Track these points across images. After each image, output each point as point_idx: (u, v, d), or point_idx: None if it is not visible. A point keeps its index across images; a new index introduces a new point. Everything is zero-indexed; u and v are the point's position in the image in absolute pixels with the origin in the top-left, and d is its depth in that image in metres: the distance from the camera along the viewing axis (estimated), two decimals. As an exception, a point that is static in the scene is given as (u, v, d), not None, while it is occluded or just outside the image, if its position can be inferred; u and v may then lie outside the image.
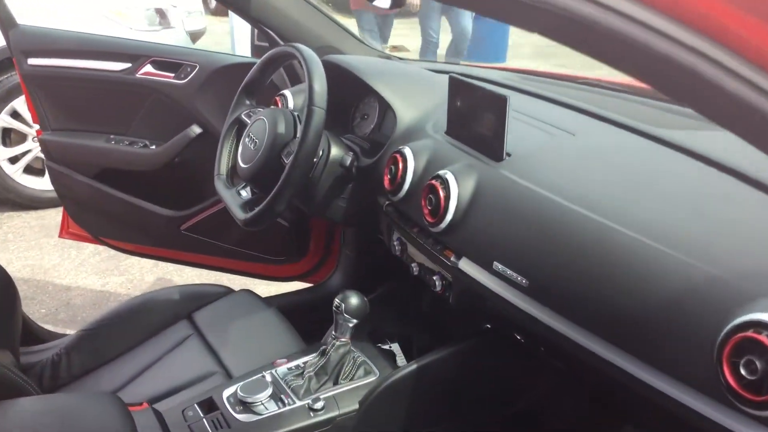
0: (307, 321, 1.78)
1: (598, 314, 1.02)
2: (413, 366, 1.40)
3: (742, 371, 0.81)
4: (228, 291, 1.95)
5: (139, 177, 2.56)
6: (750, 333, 0.80)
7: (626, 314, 0.97)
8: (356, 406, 1.38)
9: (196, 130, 2.43)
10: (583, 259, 1.05)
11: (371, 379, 1.44)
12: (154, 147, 2.52)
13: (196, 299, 1.90)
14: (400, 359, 1.61)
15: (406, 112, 1.63)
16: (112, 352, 1.78)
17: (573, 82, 1.76)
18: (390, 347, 1.65)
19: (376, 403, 1.37)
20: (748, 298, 0.84)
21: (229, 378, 1.60)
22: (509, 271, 1.16)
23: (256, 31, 2.44)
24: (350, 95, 1.73)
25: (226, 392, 1.42)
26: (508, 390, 1.53)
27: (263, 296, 1.98)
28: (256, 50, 2.45)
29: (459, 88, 1.43)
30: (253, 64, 2.33)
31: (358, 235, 2.32)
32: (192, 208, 2.49)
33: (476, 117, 1.37)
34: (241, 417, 1.35)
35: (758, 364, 0.79)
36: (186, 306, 1.89)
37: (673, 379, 0.92)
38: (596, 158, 1.25)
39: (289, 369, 1.48)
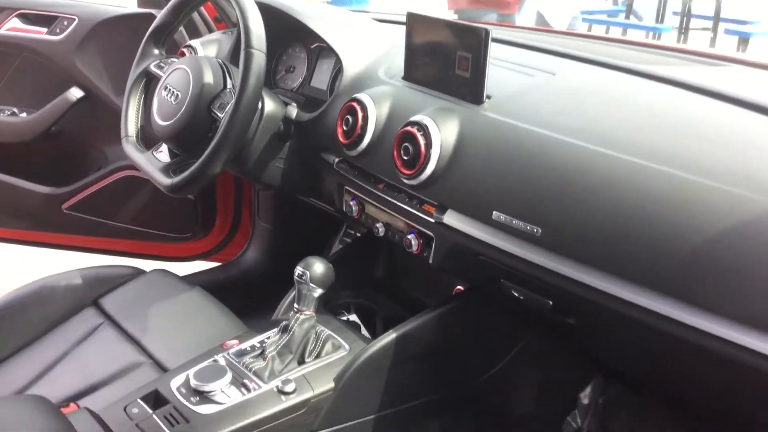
0: (229, 302, 1.58)
1: (633, 259, 0.93)
2: (391, 336, 1.26)
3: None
4: (138, 272, 1.70)
5: (7, 150, 2.20)
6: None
7: (669, 259, 0.89)
8: (332, 385, 1.22)
9: (77, 93, 2.14)
10: (608, 198, 0.96)
11: (342, 354, 1.28)
12: (24, 115, 2.19)
13: (102, 283, 1.64)
14: (364, 331, 1.46)
15: (352, 59, 1.48)
16: (3, 351, 1.49)
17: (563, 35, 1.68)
18: (349, 318, 1.49)
19: (354, 380, 1.22)
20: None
21: (161, 369, 1.38)
22: (516, 221, 1.05)
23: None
24: (272, 45, 1.54)
25: (175, 382, 1.20)
26: (488, 354, 1.43)
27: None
28: (143, 1, 2.17)
29: (421, 25, 1.29)
30: (144, 15, 2.07)
31: (274, 203, 2.13)
32: (75, 183, 2.18)
33: (445, 57, 1.24)
34: (199, 409, 1.15)
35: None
36: (90, 291, 1.62)
37: (726, 321, 0.85)
38: (584, 94, 1.17)
39: (244, 350, 1.29)
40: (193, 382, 1.19)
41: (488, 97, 1.20)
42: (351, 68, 1.46)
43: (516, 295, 1.14)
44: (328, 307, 1.45)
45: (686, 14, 7.33)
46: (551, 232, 1.02)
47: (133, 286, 1.65)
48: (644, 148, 0.97)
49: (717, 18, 6.71)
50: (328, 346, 1.30)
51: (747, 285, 0.83)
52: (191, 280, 1.73)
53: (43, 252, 2.31)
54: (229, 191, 2.22)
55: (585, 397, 1.64)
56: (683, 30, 7.40)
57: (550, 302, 1.08)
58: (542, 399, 1.59)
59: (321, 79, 1.64)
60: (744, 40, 6.45)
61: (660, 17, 7.63)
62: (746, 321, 0.84)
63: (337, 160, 1.43)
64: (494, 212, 1.09)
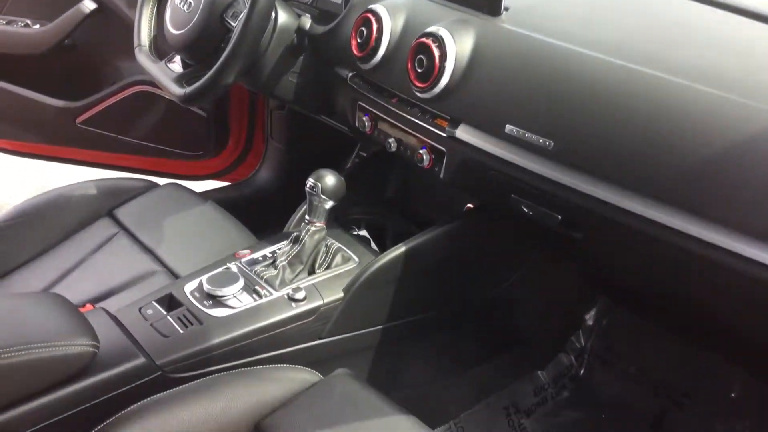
0: (242, 220, 1.60)
1: (645, 171, 0.93)
2: (401, 249, 1.27)
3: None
4: (152, 185, 1.72)
5: (21, 62, 2.19)
6: None
7: (690, 170, 0.89)
8: (341, 295, 1.24)
9: (90, 5, 2.10)
10: (621, 110, 0.95)
11: (351, 266, 1.31)
12: (38, 26, 2.16)
13: (117, 194, 1.66)
14: (374, 245, 1.48)
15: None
16: (20, 257, 1.53)
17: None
18: (359, 234, 1.51)
19: (362, 291, 1.25)
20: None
21: (175, 277, 1.41)
22: (528, 134, 1.05)
23: None
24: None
25: (188, 287, 1.23)
26: (495, 272, 1.45)
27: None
28: None
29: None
30: None
31: (287, 123, 2.13)
32: (89, 97, 2.17)
33: (463, -33, 1.21)
34: (212, 312, 1.18)
35: None
36: (105, 202, 1.64)
37: (732, 232, 0.86)
38: (602, 6, 1.14)
39: (256, 260, 1.31)
40: (206, 287, 1.21)
41: (506, 8, 1.17)
42: (366, -22, 1.43)
43: (525, 210, 1.14)
44: (339, 222, 1.46)
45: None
46: (564, 145, 1.01)
47: (147, 199, 1.66)
48: (661, 61, 0.96)
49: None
50: (337, 258, 1.32)
51: (758, 197, 0.83)
52: (204, 195, 1.75)
53: (57, 166, 2.33)
54: (242, 111, 2.21)
55: (590, 318, 1.67)
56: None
57: (559, 217, 1.09)
58: (547, 318, 1.62)
59: (335, -9, 1.61)
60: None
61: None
62: (755, 234, 0.84)
63: (350, 74, 1.41)
64: (507, 125, 1.08)
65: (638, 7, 1.12)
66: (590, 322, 1.67)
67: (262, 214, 2.09)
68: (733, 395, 1.46)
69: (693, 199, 0.90)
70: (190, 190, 1.72)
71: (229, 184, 2.27)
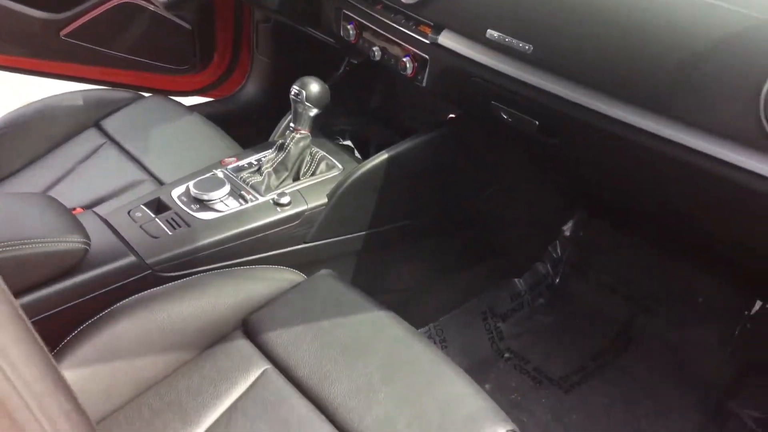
0: (229, 133, 1.61)
1: (621, 75, 0.95)
2: (383, 156, 1.30)
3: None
4: (139, 96, 1.72)
5: (0, -29, 2.14)
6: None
7: (664, 73, 0.91)
8: (325, 200, 1.28)
9: None
10: (600, 14, 0.97)
11: (335, 173, 1.34)
12: (17, -66, 2.10)
13: (104, 105, 1.67)
14: (357, 154, 1.50)
15: None
16: (9, 167, 1.55)
17: None
18: (344, 143, 1.53)
19: (346, 196, 1.28)
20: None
21: (162, 185, 1.43)
22: (509, 39, 1.06)
23: None
24: None
25: (176, 191, 1.26)
26: (475, 181, 1.49)
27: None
28: None
29: None
30: None
31: (273, 37, 2.11)
32: (74, 8, 2.13)
33: None
34: (199, 215, 1.21)
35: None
36: (92, 113, 1.65)
37: (709, 136, 0.89)
38: None
39: (242, 167, 1.34)
40: (193, 191, 1.25)
41: None
42: None
43: (505, 117, 1.17)
44: (324, 132, 1.48)
45: None
46: (542, 50, 1.03)
47: (133, 110, 1.67)
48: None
49: None
50: (322, 166, 1.35)
51: (728, 99, 0.85)
52: (189, 108, 1.76)
53: (41, 81, 2.31)
54: (227, 24, 2.19)
55: (567, 230, 1.72)
56: None
57: (537, 122, 1.11)
58: (526, 229, 1.67)
59: None
60: None
61: None
62: (726, 135, 0.87)
63: (335, -19, 1.41)
64: (488, 30, 1.09)
65: None
66: (567, 234, 1.72)
67: (249, 127, 2.10)
68: (700, 300, 1.53)
69: (661, 100, 0.92)
70: (177, 101, 1.73)
71: (215, 99, 2.26)
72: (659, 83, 0.92)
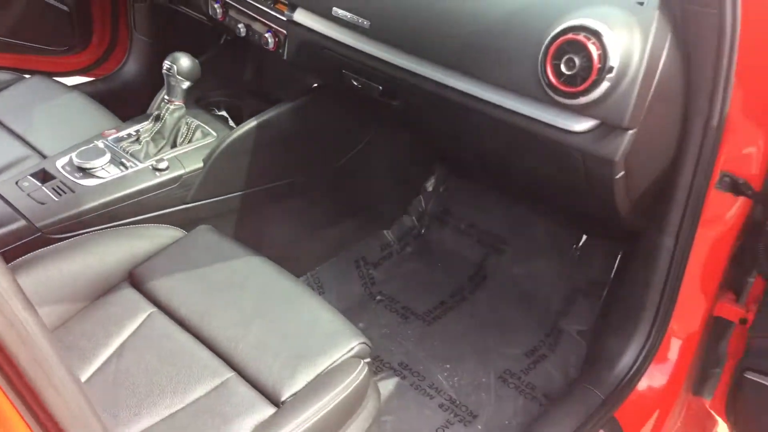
0: (111, 109, 1.71)
1: (441, 48, 1.15)
2: (253, 123, 1.46)
3: (563, 68, 1.00)
4: (20, 77, 1.79)
5: None
6: (570, 35, 0.98)
7: (470, 41, 1.11)
8: (201, 164, 1.42)
9: None
10: (423, -4, 1.16)
11: (210, 140, 1.48)
12: None
13: None
14: (232, 123, 1.64)
15: None
16: None
17: None
18: (218, 113, 1.67)
19: (220, 160, 1.43)
20: (568, 10, 1.01)
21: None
22: (350, 15, 1.24)
23: None
24: None
25: (60, 162, 1.37)
26: (340, 143, 1.66)
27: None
28: None
29: None
30: None
31: (150, 15, 2.20)
32: (-56, -7, 2.14)
33: None
34: (83, 182, 1.33)
35: (576, 60, 0.99)
36: None
37: (507, 92, 1.10)
38: None
39: (121, 137, 1.46)
40: (76, 161, 1.36)
41: None
42: None
43: (355, 84, 1.35)
44: (200, 104, 1.61)
45: None
46: (377, 25, 1.22)
47: (15, 90, 1.74)
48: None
49: None
50: (198, 134, 1.49)
51: (517, 65, 1.06)
52: (70, 87, 1.83)
53: None
54: (104, 4, 2.25)
55: (429, 185, 1.93)
56: None
57: (380, 87, 1.30)
58: (391, 185, 1.87)
59: None
60: None
61: None
62: (510, 88, 1.08)
63: (201, -36, 1.54)
64: (334, 8, 1.26)
65: None
66: (430, 189, 1.93)
67: (130, 104, 2.18)
68: (538, 239, 1.78)
69: (472, 66, 1.13)
70: (58, 81, 1.80)
71: (97, 78, 2.33)
72: (467, 52, 1.12)
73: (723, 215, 1.23)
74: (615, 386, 1.35)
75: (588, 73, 0.99)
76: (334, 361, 1.09)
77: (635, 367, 1.35)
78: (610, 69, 0.98)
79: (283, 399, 1.03)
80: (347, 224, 1.80)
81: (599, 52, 0.97)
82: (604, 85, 0.99)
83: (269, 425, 0.99)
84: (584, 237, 1.72)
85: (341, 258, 1.78)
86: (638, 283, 1.33)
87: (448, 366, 1.58)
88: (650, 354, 1.35)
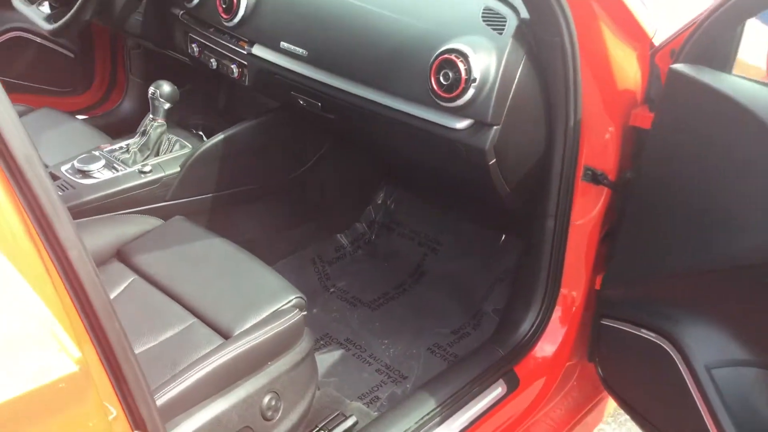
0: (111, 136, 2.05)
1: (359, 69, 1.50)
2: (221, 137, 1.80)
3: (442, 80, 1.34)
4: (29, 109, 2.13)
5: None
6: (446, 56, 1.33)
7: (378, 63, 1.46)
8: (178, 169, 1.75)
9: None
10: (346, 31, 1.52)
11: (187, 150, 1.82)
12: None
13: None
14: (206, 139, 1.98)
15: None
16: None
17: None
18: (197, 132, 2.02)
19: (194, 166, 1.76)
20: (446, 39, 1.36)
21: (50, 170, 1.86)
22: (293, 47, 1.59)
23: None
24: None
25: (64, 167, 1.70)
26: (297, 156, 2.01)
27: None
28: None
29: None
30: None
31: (144, 61, 2.57)
32: (-32, 41, 2.51)
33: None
34: (82, 181, 1.66)
35: (451, 74, 1.33)
36: None
37: (406, 101, 1.44)
38: None
39: (114, 149, 1.80)
40: (76, 165, 1.69)
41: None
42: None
43: (301, 102, 1.69)
44: (182, 126, 1.96)
45: None
46: (313, 53, 1.57)
47: (26, 119, 2.08)
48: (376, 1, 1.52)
49: None
50: (176, 146, 1.83)
51: (415, 77, 1.41)
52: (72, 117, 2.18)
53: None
54: (105, 52, 2.63)
55: (379, 198, 2.26)
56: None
57: (319, 104, 1.64)
58: (344, 195, 2.20)
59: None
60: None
61: None
62: (408, 98, 1.43)
63: (181, 12, 1.90)
64: (281, 42, 1.62)
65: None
66: (379, 201, 2.26)
67: (124, 134, 2.53)
68: (466, 241, 2.10)
69: (380, 81, 1.47)
70: (63, 112, 2.15)
71: (97, 115, 2.68)
72: (377, 71, 1.47)
73: (591, 201, 1.55)
74: (515, 345, 1.64)
75: (459, 83, 1.33)
76: (276, 309, 1.39)
77: (532, 330, 1.65)
78: (474, 80, 1.32)
79: (233, 335, 1.34)
80: (304, 228, 2.12)
81: (465, 67, 1.32)
82: (471, 92, 1.33)
83: (219, 349, 1.29)
84: (503, 236, 2.04)
85: (299, 256, 2.10)
86: (532, 260, 1.64)
87: (386, 341, 1.88)
88: (545, 318, 1.65)
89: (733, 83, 1.19)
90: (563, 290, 1.63)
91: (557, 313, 1.65)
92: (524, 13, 1.36)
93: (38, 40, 2.46)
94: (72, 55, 2.55)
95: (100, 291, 0.79)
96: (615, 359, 1.56)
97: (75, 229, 0.77)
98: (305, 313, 1.43)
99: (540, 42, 1.38)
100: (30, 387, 0.63)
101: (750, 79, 1.20)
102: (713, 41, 1.24)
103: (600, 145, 1.50)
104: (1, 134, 0.70)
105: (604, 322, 1.51)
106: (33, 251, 0.73)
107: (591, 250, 1.60)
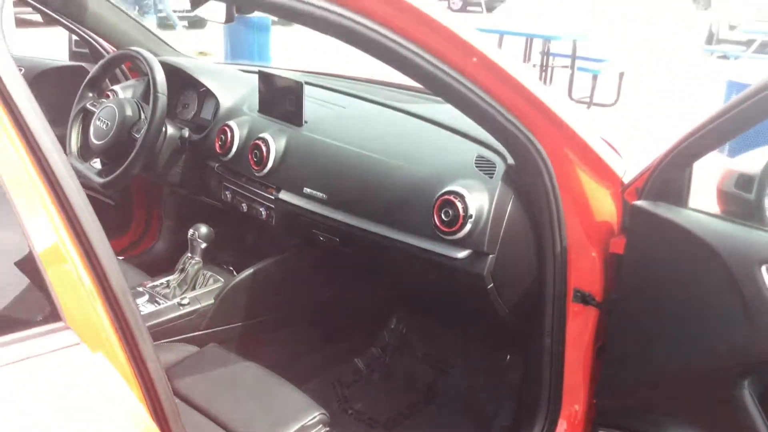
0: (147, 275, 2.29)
1: (371, 209, 1.74)
2: (250, 271, 2.02)
3: (443, 216, 1.58)
4: None
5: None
6: (446, 196, 1.58)
7: (389, 204, 1.71)
8: (212, 301, 1.97)
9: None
10: (360, 177, 1.78)
11: (220, 284, 2.04)
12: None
13: None
14: (236, 274, 2.21)
15: (225, 99, 2.25)
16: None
17: (351, 80, 2.48)
18: (228, 268, 2.25)
19: (226, 298, 1.98)
20: (446, 182, 1.61)
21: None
22: (314, 192, 1.85)
23: (73, 38, 2.86)
24: (172, 89, 2.30)
25: (112, 302, 1.92)
26: (317, 286, 2.22)
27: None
28: (74, 56, 2.87)
29: (267, 78, 2.09)
30: (75, 67, 2.77)
31: (177, 206, 2.85)
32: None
33: (281, 98, 2.04)
34: (128, 315, 1.86)
35: (451, 212, 1.57)
36: None
37: (413, 235, 1.67)
38: (359, 120, 1.99)
39: (156, 285, 2.02)
40: (123, 300, 1.90)
41: (306, 121, 2.00)
42: (225, 104, 2.23)
43: (321, 239, 1.93)
44: (215, 262, 2.19)
45: (546, 54, 8.56)
46: (332, 197, 1.82)
47: None
48: (382, 150, 1.79)
49: (573, 57, 7.89)
50: (211, 281, 2.05)
51: (420, 216, 1.64)
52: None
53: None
54: (141, 201, 2.92)
55: (392, 322, 2.45)
56: (544, 68, 8.64)
57: (338, 239, 1.88)
58: (360, 320, 2.39)
59: (207, 112, 2.40)
60: (594, 77, 7.69)
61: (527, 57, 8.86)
62: (415, 232, 1.66)
63: (217, 165, 2.19)
64: (304, 188, 1.88)
65: (375, 120, 1.97)
66: (392, 326, 2.45)
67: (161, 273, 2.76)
68: (474, 361, 2.26)
69: (391, 219, 1.71)
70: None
71: (133, 255, 2.93)
72: (388, 211, 1.71)
73: (583, 320, 1.73)
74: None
75: (458, 219, 1.56)
76: (302, 425, 1.55)
77: (535, 448, 1.78)
78: (471, 216, 1.56)
79: None
80: (325, 352, 2.29)
81: (463, 206, 1.56)
82: (468, 227, 1.56)
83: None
84: (508, 356, 2.21)
85: (321, 380, 2.26)
86: (533, 377, 1.80)
87: (402, 456, 2.00)
88: (549, 432, 1.78)
89: (686, 216, 1.42)
90: (565, 404, 1.77)
91: (562, 426, 1.78)
92: (510, 160, 1.61)
93: (84, 190, 2.75)
94: (112, 203, 2.84)
95: (169, 394, 0.98)
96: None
97: (153, 346, 0.97)
98: (328, 429, 1.59)
99: (525, 183, 1.62)
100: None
101: (701, 212, 1.43)
102: (668, 180, 1.47)
103: (586, 269, 1.70)
104: (105, 270, 0.92)
105: (601, 431, 1.65)
106: (126, 361, 0.93)
107: (587, 364, 1.76)
